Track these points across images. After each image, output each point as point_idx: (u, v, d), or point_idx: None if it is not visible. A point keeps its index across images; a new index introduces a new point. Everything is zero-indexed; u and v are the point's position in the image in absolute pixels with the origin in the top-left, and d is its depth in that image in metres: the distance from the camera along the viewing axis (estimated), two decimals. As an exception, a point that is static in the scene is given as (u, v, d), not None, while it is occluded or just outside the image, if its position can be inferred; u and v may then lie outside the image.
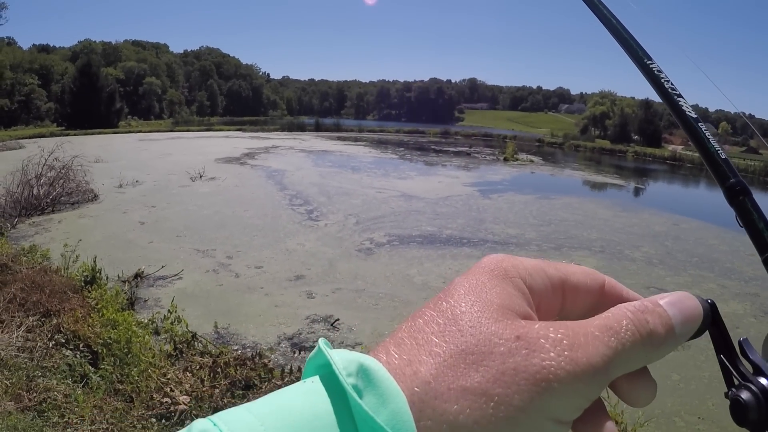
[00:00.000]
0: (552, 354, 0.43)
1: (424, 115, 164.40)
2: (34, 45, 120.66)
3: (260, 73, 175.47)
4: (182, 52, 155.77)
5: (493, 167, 40.74)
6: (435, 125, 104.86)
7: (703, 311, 0.53)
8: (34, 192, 19.28)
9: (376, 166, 37.28)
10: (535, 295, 0.50)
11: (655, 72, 0.92)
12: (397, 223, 19.08)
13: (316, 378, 0.43)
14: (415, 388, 0.42)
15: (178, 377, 6.30)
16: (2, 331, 6.81)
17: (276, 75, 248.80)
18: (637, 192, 35.82)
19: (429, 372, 0.42)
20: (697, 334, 0.54)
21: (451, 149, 56.08)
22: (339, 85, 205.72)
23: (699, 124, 0.87)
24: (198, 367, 6.66)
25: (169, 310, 9.16)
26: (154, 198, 21.81)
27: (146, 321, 8.88)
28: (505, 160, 45.56)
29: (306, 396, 0.41)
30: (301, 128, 77.65)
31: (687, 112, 0.87)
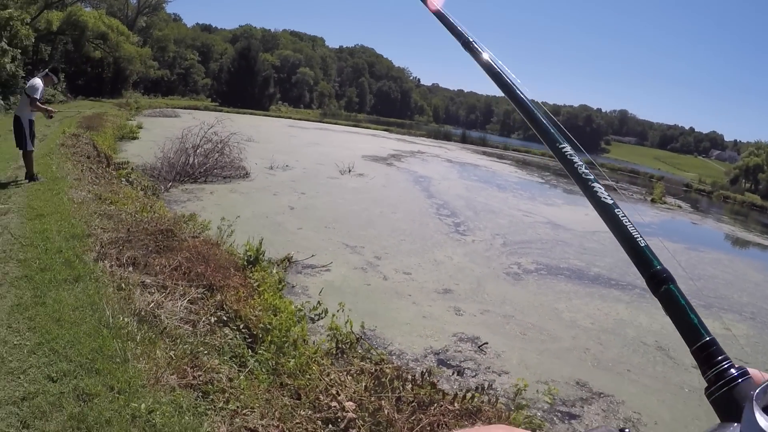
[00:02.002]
0: None
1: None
2: (197, 23, 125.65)
3: (411, 78, 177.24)
4: (337, 47, 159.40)
5: (640, 207, 39.28)
6: (581, 154, 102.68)
7: None
8: (190, 161, 19.98)
9: (522, 187, 36.63)
10: None
11: (568, 157, 1.02)
12: (544, 251, 18.55)
13: None
14: None
15: (341, 380, 6.22)
16: (166, 298, 6.83)
17: (426, 81, 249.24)
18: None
19: None
20: None
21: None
22: (487, 99, 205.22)
23: (617, 210, 0.96)
24: (359, 371, 6.55)
25: (318, 302, 9.23)
26: (304, 185, 22.10)
27: (296, 309, 8.89)
28: (653, 201, 44.14)
29: None
30: (447, 137, 77.75)
31: (602, 198, 0.96)
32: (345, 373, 6.49)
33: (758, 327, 15.50)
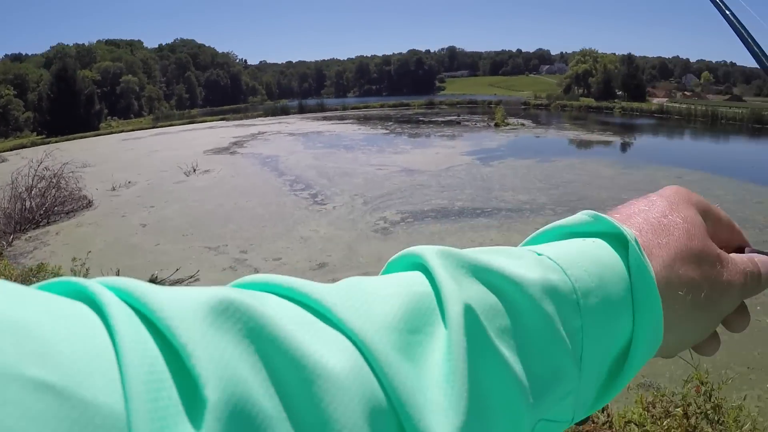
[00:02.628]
0: (732, 273, 0.60)
1: (405, 88, 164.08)
2: (6, 55, 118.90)
3: (237, 61, 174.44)
4: (157, 46, 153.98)
5: (486, 134, 40.22)
6: (418, 96, 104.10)
7: None
8: (27, 205, 18.56)
9: (369, 142, 36.71)
10: (708, 224, 0.64)
11: None
12: (405, 199, 18.57)
13: (598, 239, 0.57)
14: (664, 265, 0.57)
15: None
16: None
17: (253, 61, 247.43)
18: (634, 148, 35.58)
19: (670, 256, 0.57)
20: None
21: (440, 119, 55.33)
22: (317, 65, 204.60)
23: None
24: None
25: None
26: (151, 198, 21.15)
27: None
28: (497, 125, 44.97)
29: (600, 249, 0.55)
30: (285, 111, 76.87)
31: None
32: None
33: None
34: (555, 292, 0.49)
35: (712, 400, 5.14)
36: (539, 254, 0.54)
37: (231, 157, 32.01)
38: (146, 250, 14.54)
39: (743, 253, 0.68)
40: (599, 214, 0.59)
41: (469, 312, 0.42)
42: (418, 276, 0.47)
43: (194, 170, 26.39)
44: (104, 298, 0.30)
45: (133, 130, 65.22)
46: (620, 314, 0.53)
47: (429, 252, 0.48)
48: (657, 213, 0.61)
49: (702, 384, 5.21)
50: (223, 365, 0.28)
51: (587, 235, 0.59)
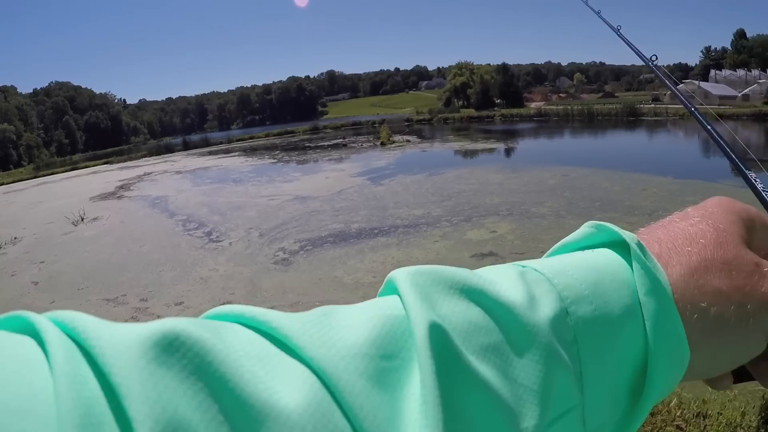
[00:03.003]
0: None
1: (288, 115, 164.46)
2: None
3: (116, 101, 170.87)
4: (31, 91, 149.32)
5: (373, 153, 40.59)
6: (302, 123, 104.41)
7: None
8: None
9: (257, 173, 36.40)
10: (756, 234, 0.61)
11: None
12: (301, 227, 18.51)
13: (601, 249, 0.55)
14: (684, 276, 0.53)
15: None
16: None
17: (132, 99, 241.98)
18: (518, 152, 36.57)
19: (692, 265, 0.53)
20: None
21: (326, 143, 55.57)
22: (198, 99, 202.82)
23: None
24: None
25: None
26: (40, 252, 20.28)
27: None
28: (383, 144, 45.62)
29: (598, 256, 0.53)
30: (169, 149, 75.73)
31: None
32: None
33: (517, 219, 16.54)
34: (540, 303, 0.47)
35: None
36: (524, 267, 0.51)
37: (119, 202, 31.18)
38: (41, 309, 13.07)
39: None
40: (600, 223, 0.57)
41: (436, 331, 0.40)
42: (394, 300, 0.45)
43: (82, 219, 25.61)
44: (48, 335, 0.30)
45: (13, 182, 62.91)
46: (624, 323, 0.49)
47: (401, 273, 0.46)
48: (685, 223, 0.59)
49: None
50: (162, 406, 0.27)
51: (594, 247, 0.57)
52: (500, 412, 0.40)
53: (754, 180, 0.97)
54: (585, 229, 0.58)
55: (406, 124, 75.93)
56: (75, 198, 33.89)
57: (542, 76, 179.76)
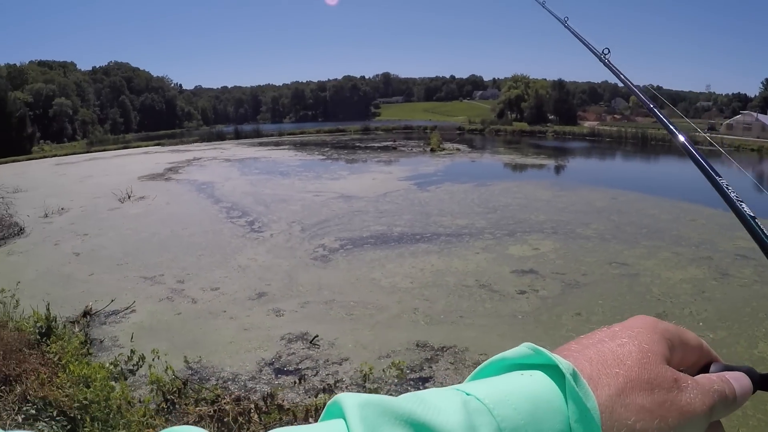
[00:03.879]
0: (692, 395, 0.61)
1: (340, 114, 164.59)
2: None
3: (172, 85, 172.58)
4: (90, 69, 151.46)
5: (422, 159, 40.57)
6: (353, 122, 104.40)
7: (752, 381, 0.70)
8: (-45, 233, 18.03)
9: (305, 168, 36.56)
10: (675, 348, 0.67)
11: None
12: (343, 225, 18.49)
13: (536, 372, 0.58)
14: (611, 396, 0.57)
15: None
16: None
17: (188, 86, 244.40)
18: (568, 170, 36.21)
19: (619, 386, 0.58)
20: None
21: (376, 144, 55.78)
22: (253, 90, 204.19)
23: (755, 220, 0.93)
24: (197, 419, 5.88)
25: (132, 350, 8.40)
26: (85, 225, 20.57)
27: (110, 366, 7.90)
28: (432, 150, 45.48)
29: (534, 384, 0.56)
30: (221, 137, 76.45)
31: (747, 213, 0.95)
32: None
33: (561, 239, 16.27)
34: None
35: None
36: (468, 394, 0.54)
37: (166, 184, 31.53)
38: (80, 279, 14.07)
39: (710, 372, 0.70)
40: (537, 348, 0.59)
41: None
42: (339, 426, 0.48)
43: (129, 197, 25.90)
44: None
45: (66, 155, 63.91)
46: None
47: (349, 401, 0.49)
48: (614, 344, 0.63)
49: None
50: None
51: (530, 366, 0.59)
52: None
53: (726, 188, 1.00)
54: (522, 348, 0.60)
55: (458, 132, 75.76)
56: (124, 176, 34.29)
57: (598, 95, 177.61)
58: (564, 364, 0.56)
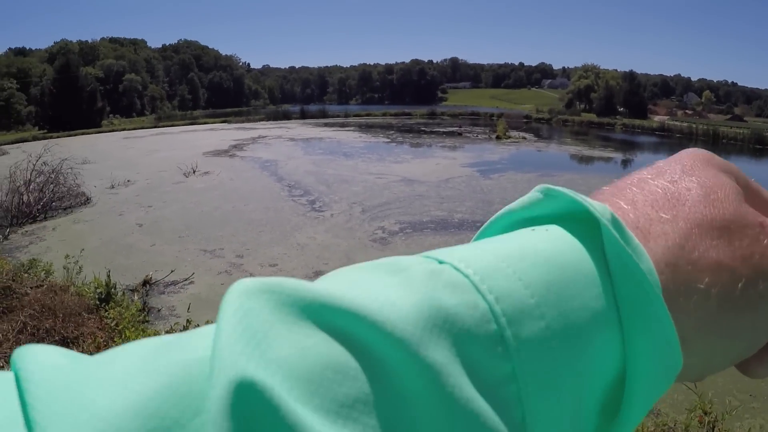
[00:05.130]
0: None
1: (407, 97, 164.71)
2: (10, 48, 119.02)
3: (240, 64, 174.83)
4: (160, 46, 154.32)
5: (487, 146, 40.12)
6: (419, 106, 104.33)
7: None
8: (24, 199, 18.40)
9: (369, 150, 36.59)
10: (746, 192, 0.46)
11: None
12: (404, 209, 18.43)
13: (552, 226, 0.39)
14: (670, 249, 0.38)
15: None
16: None
17: (256, 65, 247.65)
18: (635, 165, 35.44)
19: (680, 235, 0.39)
20: None
21: (441, 129, 55.32)
22: (320, 71, 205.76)
23: None
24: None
25: (188, 320, 8.50)
26: (149, 197, 20.97)
27: (165, 334, 7.97)
28: (498, 138, 44.98)
29: (551, 241, 0.37)
30: (287, 116, 76.87)
31: None
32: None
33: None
34: (453, 323, 0.31)
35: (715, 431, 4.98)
36: (441, 262, 0.35)
37: (230, 160, 31.86)
38: (142, 250, 14.34)
39: None
40: (553, 187, 0.40)
41: (246, 392, 0.25)
42: (207, 335, 0.30)
43: (194, 171, 26.27)
44: None
45: (134, 129, 65.18)
46: (592, 338, 0.34)
47: (234, 290, 0.30)
48: (663, 180, 0.44)
49: (705, 414, 5.05)
50: None
51: (546, 220, 0.40)
52: None
53: None
54: (532, 193, 0.41)
55: (525, 120, 74.92)
56: (189, 151, 34.71)
57: (670, 89, 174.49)
58: (598, 207, 0.37)
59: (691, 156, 0.47)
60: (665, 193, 0.42)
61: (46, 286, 8.91)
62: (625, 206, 0.41)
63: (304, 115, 77.16)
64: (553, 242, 0.37)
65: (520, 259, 0.35)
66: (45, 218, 18.27)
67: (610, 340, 0.35)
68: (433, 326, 0.30)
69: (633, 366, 0.35)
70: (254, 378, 0.25)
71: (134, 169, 27.66)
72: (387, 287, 0.32)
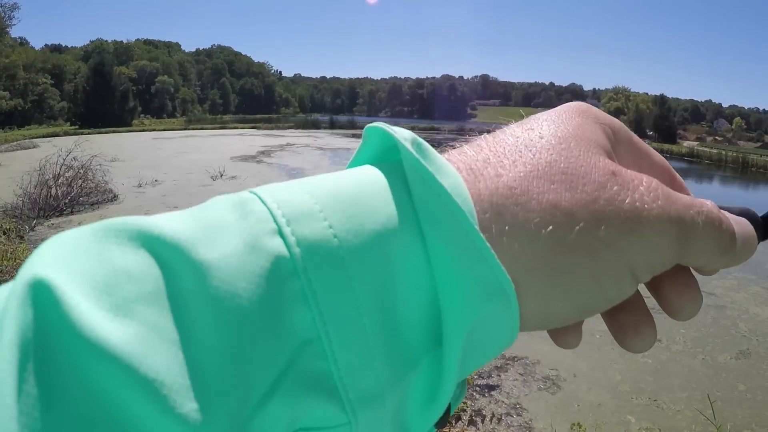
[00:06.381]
0: (646, 198, 0.39)
1: (436, 112, 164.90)
2: (46, 45, 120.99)
3: (272, 71, 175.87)
4: (194, 50, 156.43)
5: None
6: (448, 122, 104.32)
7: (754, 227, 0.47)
8: (53, 192, 18.61)
9: (396, 164, 36.21)
10: (620, 150, 0.46)
11: None
12: (428, 223, 18.31)
13: (365, 166, 0.39)
14: (498, 189, 0.38)
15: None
16: None
17: (288, 73, 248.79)
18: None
19: (514, 177, 0.38)
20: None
21: (469, 146, 54.99)
22: (351, 82, 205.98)
23: None
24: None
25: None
26: (176, 198, 21.08)
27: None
28: (526, 157, 44.78)
29: (351, 172, 0.37)
30: (316, 126, 77.15)
31: None
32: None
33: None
34: (230, 227, 0.32)
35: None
36: (252, 193, 0.35)
37: (258, 166, 31.99)
38: None
39: None
40: (374, 125, 0.39)
41: (37, 287, 0.27)
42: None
43: (221, 175, 26.35)
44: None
45: (164, 130, 65.89)
46: (387, 241, 0.33)
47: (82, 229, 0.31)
48: (521, 128, 0.43)
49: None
50: None
51: (373, 159, 0.40)
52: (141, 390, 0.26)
53: None
54: (363, 135, 0.41)
55: (553, 141, 74.72)
56: (217, 155, 34.87)
57: (700, 114, 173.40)
58: (402, 132, 0.37)
59: (566, 107, 0.46)
60: (516, 140, 0.41)
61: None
62: (469, 151, 0.41)
63: (333, 125, 77.44)
64: (353, 173, 0.37)
65: (314, 186, 0.35)
66: (71, 212, 18.53)
67: (409, 247, 0.34)
68: (211, 229, 0.31)
69: (442, 279, 0.34)
70: (48, 278, 0.27)
71: (162, 170, 27.86)
72: (184, 215, 0.34)
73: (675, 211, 0.40)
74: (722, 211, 0.45)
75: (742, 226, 0.46)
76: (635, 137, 0.48)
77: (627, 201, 0.39)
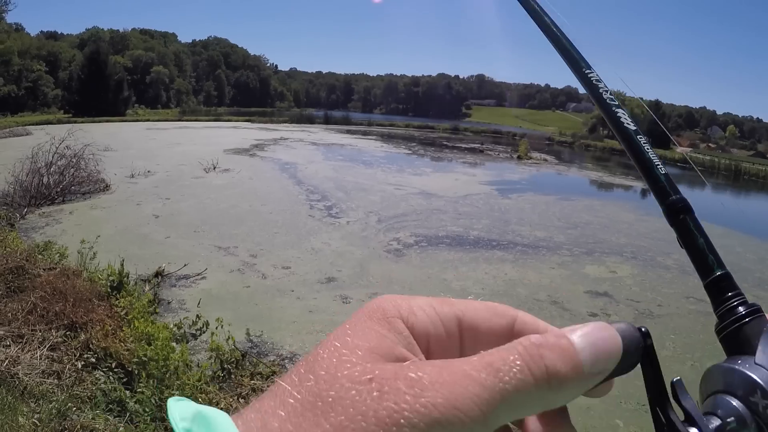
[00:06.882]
0: (407, 396, 0.38)
1: (431, 110, 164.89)
2: (41, 32, 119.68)
3: (268, 65, 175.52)
4: (190, 41, 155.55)
5: (507, 165, 40.22)
6: (442, 120, 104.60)
7: (632, 343, 0.47)
8: (44, 181, 18.51)
9: (389, 161, 36.59)
10: (420, 336, 0.46)
11: (594, 81, 0.88)
12: (420, 222, 18.37)
13: None
14: None
15: (232, 406, 5.57)
16: (24, 350, 5.91)
17: (283, 67, 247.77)
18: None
19: (278, 423, 0.38)
20: (624, 369, 0.48)
21: (463, 145, 55.62)
22: (346, 78, 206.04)
23: (638, 136, 0.83)
24: (250, 391, 5.95)
25: (198, 315, 8.50)
26: (167, 189, 21.07)
27: (173, 327, 8.06)
28: (519, 158, 45.11)
29: None
30: (310, 120, 77.43)
31: (625, 124, 0.83)
32: (236, 397, 5.95)
33: (641, 265, 15.78)
34: None
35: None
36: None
37: (251, 159, 32.05)
38: (156, 241, 14.37)
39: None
40: (169, 403, 0.39)
41: None
42: None
43: (214, 168, 26.36)
44: None
45: (158, 121, 65.88)
46: None
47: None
48: (297, 369, 0.42)
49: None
50: None
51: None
52: None
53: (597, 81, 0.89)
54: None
55: (547, 142, 75.09)
56: (211, 147, 34.99)
57: (694, 121, 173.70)
58: (181, 409, 0.38)
59: (360, 316, 0.45)
60: (291, 382, 0.41)
61: (59, 269, 8.96)
62: (249, 408, 0.41)
63: (327, 120, 77.76)
64: None
65: None
66: (63, 201, 18.41)
67: None
68: None
69: None
70: None
71: (155, 161, 27.84)
72: None
73: (448, 402, 0.38)
74: (567, 334, 0.46)
75: (595, 341, 0.45)
76: (440, 305, 0.47)
77: (385, 406, 0.38)
